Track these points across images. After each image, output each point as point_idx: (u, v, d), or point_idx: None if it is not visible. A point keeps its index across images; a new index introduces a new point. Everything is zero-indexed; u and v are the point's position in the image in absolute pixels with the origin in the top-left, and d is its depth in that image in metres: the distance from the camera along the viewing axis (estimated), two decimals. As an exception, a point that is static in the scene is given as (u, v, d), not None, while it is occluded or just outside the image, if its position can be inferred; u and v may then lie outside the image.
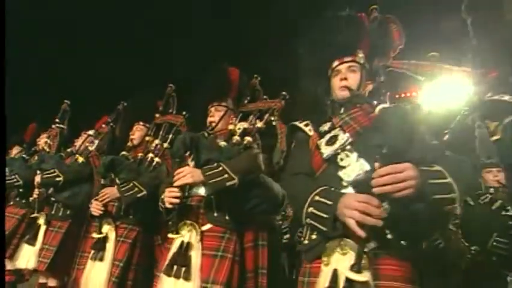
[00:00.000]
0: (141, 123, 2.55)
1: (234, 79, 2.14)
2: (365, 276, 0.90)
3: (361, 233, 0.91)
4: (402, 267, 0.98)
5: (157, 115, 2.56)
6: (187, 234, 1.63)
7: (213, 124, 1.97)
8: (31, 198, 2.59)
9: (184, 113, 2.34)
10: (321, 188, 1.06)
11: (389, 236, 1.00)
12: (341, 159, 1.14)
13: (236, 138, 1.79)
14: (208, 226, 1.64)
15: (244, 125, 1.91)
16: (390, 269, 0.98)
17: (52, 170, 2.50)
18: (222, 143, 1.85)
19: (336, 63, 1.40)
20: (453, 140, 1.15)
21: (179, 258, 1.55)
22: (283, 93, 1.95)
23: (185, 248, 1.58)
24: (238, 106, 2.13)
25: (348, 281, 0.93)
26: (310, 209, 1.05)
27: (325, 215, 1.00)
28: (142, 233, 2.13)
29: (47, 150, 2.99)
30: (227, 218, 1.65)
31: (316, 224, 1.03)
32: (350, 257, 0.99)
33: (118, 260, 2.02)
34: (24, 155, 3.00)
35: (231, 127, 1.93)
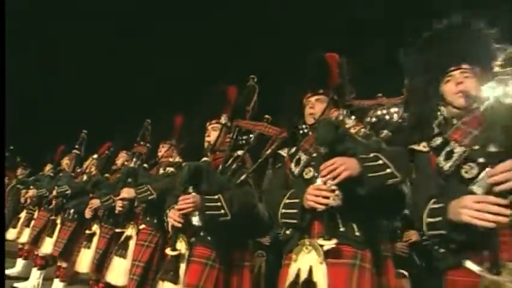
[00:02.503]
0: (124, 151, 3.52)
1: (177, 125, 3.01)
2: (175, 252, 1.71)
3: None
4: (205, 251, 1.76)
5: (135, 145, 3.51)
6: (130, 230, 2.54)
7: (159, 155, 2.87)
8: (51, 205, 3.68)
9: (147, 144, 3.27)
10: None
11: (201, 234, 1.80)
12: None
13: (166, 168, 2.66)
14: (143, 226, 2.52)
15: (176, 158, 2.77)
16: (198, 251, 1.77)
17: (64, 186, 3.55)
18: (162, 171, 2.74)
19: (207, 124, 2.21)
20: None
21: (122, 245, 2.46)
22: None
23: (127, 238, 2.49)
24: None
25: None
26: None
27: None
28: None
29: (67, 170, 4.09)
30: (155, 221, 2.52)
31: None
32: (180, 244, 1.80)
33: (99, 248, 2.97)
34: (51, 173, 4.12)
35: (170, 159, 2.80)
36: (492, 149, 0.99)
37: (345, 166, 1.24)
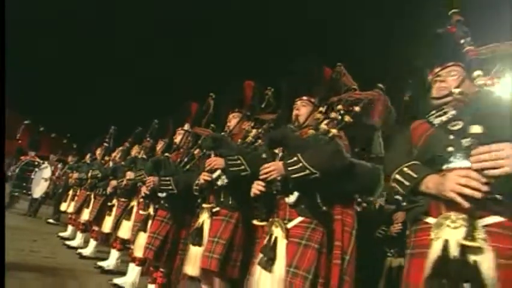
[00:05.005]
0: (121, 147, 4.69)
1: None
2: (145, 212, 2.75)
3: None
4: (163, 212, 2.77)
5: (145, 140, 4.63)
6: (134, 202, 3.66)
7: (157, 149, 3.94)
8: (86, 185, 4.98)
9: (151, 140, 4.35)
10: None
11: (161, 202, 2.82)
12: None
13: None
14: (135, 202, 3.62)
15: (165, 151, 3.81)
16: (159, 213, 2.80)
17: (96, 170, 4.80)
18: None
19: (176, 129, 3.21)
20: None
21: (128, 211, 3.58)
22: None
23: (132, 207, 3.61)
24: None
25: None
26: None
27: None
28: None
29: (99, 158, 5.38)
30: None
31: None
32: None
33: (117, 215, 4.15)
34: (88, 161, 5.44)
35: (161, 151, 3.86)
36: (263, 155, 1.85)
37: (216, 162, 2.15)
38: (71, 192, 5.77)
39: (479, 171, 1.05)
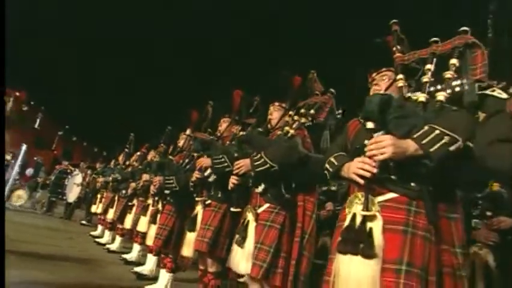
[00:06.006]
0: (138, 153, 5.22)
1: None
2: (155, 207, 3.22)
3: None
4: (169, 207, 3.22)
5: (159, 146, 5.14)
6: (149, 200, 4.16)
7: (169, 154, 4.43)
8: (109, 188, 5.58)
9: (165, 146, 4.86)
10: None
11: (168, 198, 3.27)
12: None
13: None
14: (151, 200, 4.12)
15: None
16: (166, 207, 3.25)
17: (117, 174, 5.38)
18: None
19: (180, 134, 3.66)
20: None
21: (144, 208, 4.09)
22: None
23: (147, 205, 4.11)
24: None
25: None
26: None
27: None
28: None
29: (121, 163, 5.98)
30: (160, 194, 4.09)
31: None
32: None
33: (136, 213, 4.68)
34: (111, 166, 6.05)
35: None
36: (235, 154, 2.23)
37: (204, 162, 2.56)
38: (99, 195, 6.43)
39: (371, 157, 1.38)
